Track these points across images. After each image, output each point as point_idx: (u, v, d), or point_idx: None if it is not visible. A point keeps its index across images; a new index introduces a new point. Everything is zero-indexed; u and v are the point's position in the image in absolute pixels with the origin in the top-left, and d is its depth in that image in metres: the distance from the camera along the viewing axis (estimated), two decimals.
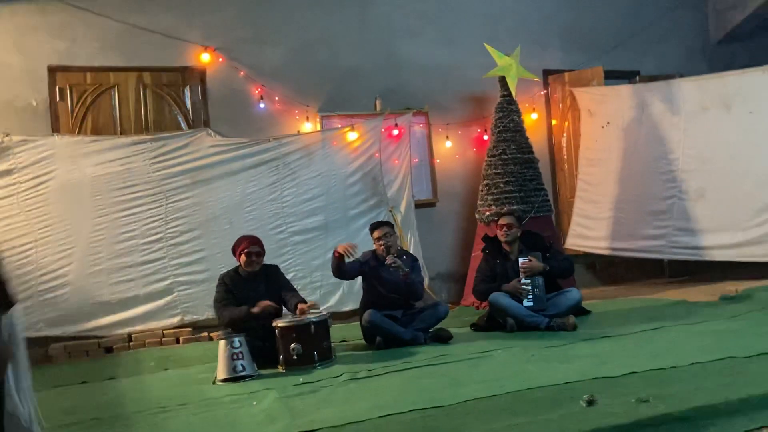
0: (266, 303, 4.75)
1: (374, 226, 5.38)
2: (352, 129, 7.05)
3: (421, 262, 7.03)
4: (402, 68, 7.72)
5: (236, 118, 7.05)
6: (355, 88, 7.49)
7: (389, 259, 5.06)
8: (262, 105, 7.14)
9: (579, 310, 5.49)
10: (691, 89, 7.19)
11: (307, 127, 7.27)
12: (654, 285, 7.45)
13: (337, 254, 5.04)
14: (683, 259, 7.24)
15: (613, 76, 8.32)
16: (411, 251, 6.90)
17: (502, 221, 5.54)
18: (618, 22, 8.60)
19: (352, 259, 5.12)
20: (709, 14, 9.08)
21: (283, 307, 5.00)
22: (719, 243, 6.79)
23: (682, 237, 7.08)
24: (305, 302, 4.90)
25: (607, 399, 3.10)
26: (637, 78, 8.51)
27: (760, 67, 6.84)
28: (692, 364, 3.66)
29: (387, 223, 5.46)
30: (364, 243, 6.84)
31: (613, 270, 8.11)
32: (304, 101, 7.26)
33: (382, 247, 5.20)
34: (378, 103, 7.47)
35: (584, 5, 8.54)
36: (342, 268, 5.11)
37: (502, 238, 5.51)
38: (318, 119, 7.33)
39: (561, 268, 5.50)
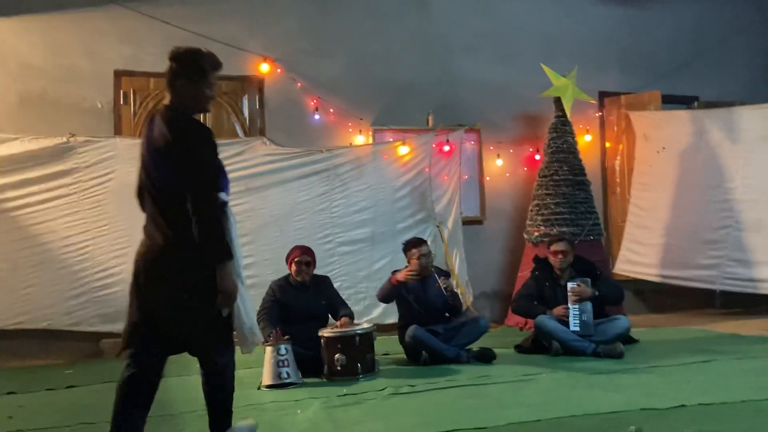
0: (279, 338, 4.63)
1: (414, 244, 5.35)
2: (404, 143, 7.10)
3: (466, 279, 7.07)
4: (456, 84, 7.75)
5: (291, 128, 7.17)
6: (409, 103, 7.55)
7: (442, 282, 5.09)
8: (316, 116, 7.26)
9: (627, 339, 5.38)
10: (752, 117, 7.04)
11: (360, 139, 7.35)
12: (704, 316, 7.28)
13: (395, 281, 5.11)
14: (737, 291, 7.05)
15: (671, 101, 8.19)
16: (457, 268, 6.92)
17: (556, 247, 5.48)
18: (678, 45, 8.48)
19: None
20: None
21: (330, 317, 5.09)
22: None
23: (736, 268, 6.91)
24: (350, 317, 4.96)
25: None
26: (696, 104, 8.35)
27: None
28: (744, 401, 3.57)
29: (424, 241, 5.46)
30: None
31: (662, 298, 7.95)
32: (358, 114, 7.35)
33: (424, 265, 5.21)
34: (430, 118, 7.51)
35: (643, 28, 8.44)
36: (392, 295, 5.18)
37: (556, 265, 5.47)
38: (370, 132, 7.41)
39: (611, 294, 5.42)
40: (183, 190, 2.74)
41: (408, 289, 5.22)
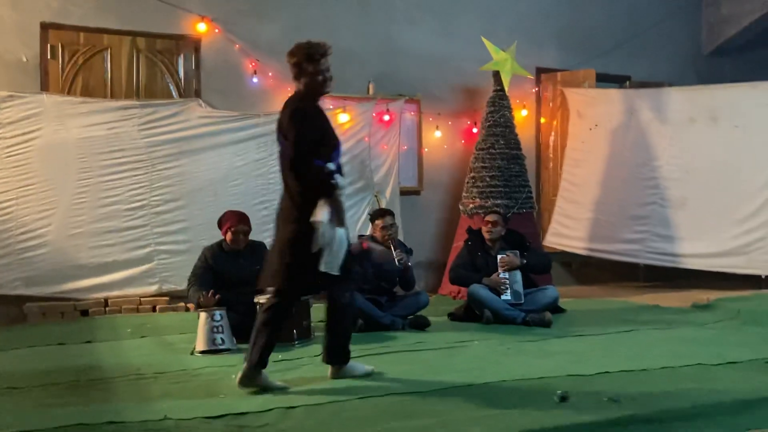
0: (209, 301, 4.62)
1: (380, 214, 5.42)
2: (344, 111, 7.05)
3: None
4: (397, 55, 7.72)
5: (228, 91, 7.00)
6: (350, 71, 7.45)
7: (397, 255, 5.12)
8: (255, 80, 7.10)
9: (555, 308, 5.58)
10: (679, 99, 7.31)
11: None
12: (628, 288, 7.60)
13: (366, 246, 5.16)
14: (659, 265, 7.38)
15: (605, 80, 8.41)
16: None
17: (489, 218, 5.62)
18: (613, 26, 8.67)
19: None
20: (703, 26, 9.20)
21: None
22: (695, 252, 6.95)
23: (659, 243, 7.23)
24: None
25: (579, 396, 3.18)
26: (628, 83, 8.60)
27: (748, 83, 6.99)
28: (663, 368, 3.77)
29: (391, 213, 5.49)
30: (348, 226, 6.91)
31: (589, 270, 8.25)
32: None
33: (388, 237, 5.24)
34: (371, 87, 7.48)
35: (582, 7, 8.60)
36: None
37: (486, 235, 5.58)
38: None
39: (538, 263, 5.61)
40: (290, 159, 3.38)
41: (370, 256, 5.24)
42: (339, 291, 3.60)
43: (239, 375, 3.43)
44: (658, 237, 7.23)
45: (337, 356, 3.67)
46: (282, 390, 3.42)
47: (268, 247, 5.21)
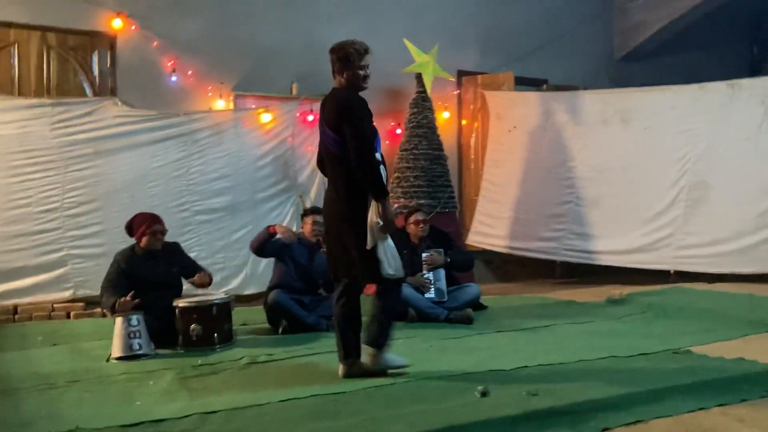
0: (126, 304, 4.43)
1: (312, 211, 5.40)
2: (267, 111, 6.97)
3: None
4: (322, 54, 7.52)
5: (146, 90, 6.80)
6: (273, 70, 7.40)
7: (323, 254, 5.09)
8: (174, 78, 6.92)
9: (477, 305, 5.70)
10: (593, 102, 7.59)
11: (220, 104, 7.12)
12: (546, 284, 7.83)
13: (272, 230, 5.11)
14: (575, 262, 7.64)
15: (523, 83, 8.64)
16: None
17: (417, 217, 5.65)
18: (531, 31, 8.92)
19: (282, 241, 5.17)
20: (615, 33, 9.60)
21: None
22: (609, 249, 7.23)
23: (575, 241, 7.48)
24: (208, 276, 4.90)
25: (499, 391, 3.26)
26: (545, 86, 8.87)
27: (657, 87, 7.33)
28: (579, 361, 3.90)
29: (321, 212, 5.43)
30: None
31: (509, 267, 8.45)
32: (219, 78, 7.11)
33: (316, 235, 5.20)
34: (295, 87, 7.42)
35: (502, 11, 8.81)
36: (265, 245, 5.15)
37: (417, 233, 5.63)
38: (231, 98, 7.19)
39: (462, 261, 5.72)
40: (350, 153, 3.46)
41: (293, 255, 5.18)
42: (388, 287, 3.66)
43: (368, 359, 3.60)
44: (574, 235, 7.49)
45: (378, 340, 3.62)
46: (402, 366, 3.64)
47: (182, 248, 5.12)
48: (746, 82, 6.86)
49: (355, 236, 3.53)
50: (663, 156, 7.02)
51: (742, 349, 4.06)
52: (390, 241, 3.59)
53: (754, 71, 9.87)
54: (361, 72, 3.65)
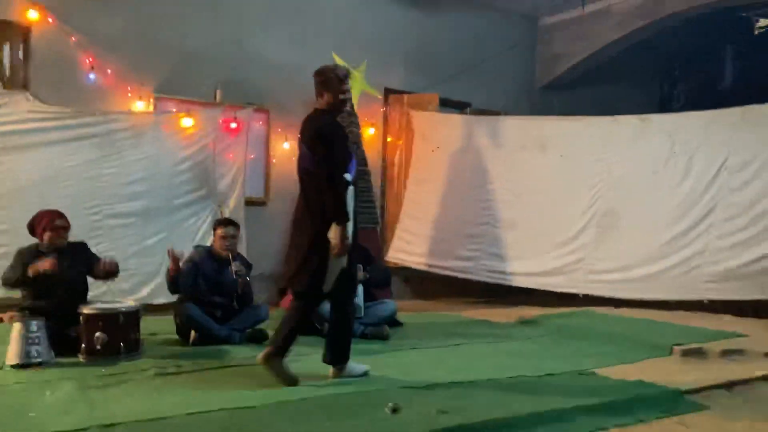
0: (43, 265, 4.32)
1: (222, 223, 5.26)
2: (188, 115, 6.81)
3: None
4: (247, 61, 7.58)
5: (61, 86, 6.49)
6: (196, 74, 7.24)
7: (234, 266, 4.96)
8: (92, 76, 6.65)
9: (393, 321, 5.72)
10: (513, 127, 7.82)
11: (139, 106, 6.90)
12: (462, 303, 7.94)
13: (172, 272, 4.93)
14: (490, 282, 7.80)
15: (447, 104, 8.81)
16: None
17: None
18: (458, 53, 9.08)
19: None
20: (537, 62, 9.93)
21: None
22: (523, 270, 7.43)
23: (491, 261, 7.65)
24: (115, 262, 4.74)
25: (410, 408, 3.28)
26: (468, 110, 9.07)
27: (573, 117, 7.63)
28: (489, 379, 3.98)
29: (234, 223, 5.31)
30: (186, 234, 6.67)
31: (427, 285, 8.53)
32: (139, 78, 6.89)
33: (226, 248, 5.08)
34: (218, 93, 7.28)
35: (430, 33, 8.94)
36: (178, 282, 4.97)
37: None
38: (152, 100, 6.98)
39: (380, 278, 5.75)
40: (321, 172, 3.68)
41: (203, 270, 5.03)
42: (345, 296, 3.94)
43: (262, 353, 3.79)
44: (491, 255, 7.65)
45: (338, 357, 3.93)
46: (293, 381, 3.74)
47: (89, 247, 4.92)
48: (656, 118, 7.25)
49: (310, 248, 3.77)
50: (577, 183, 7.29)
51: (643, 371, 4.25)
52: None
53: (663, 107, 10.45)
54: (341, 96, 3.91)
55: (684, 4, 8.39)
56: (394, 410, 3.22)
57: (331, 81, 3.89)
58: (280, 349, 3.80)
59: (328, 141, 3.75)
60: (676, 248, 6.63)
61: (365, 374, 3.97)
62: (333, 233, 3.68)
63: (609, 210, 7.10)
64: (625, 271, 6.88)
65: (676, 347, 4.83)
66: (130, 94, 6.86)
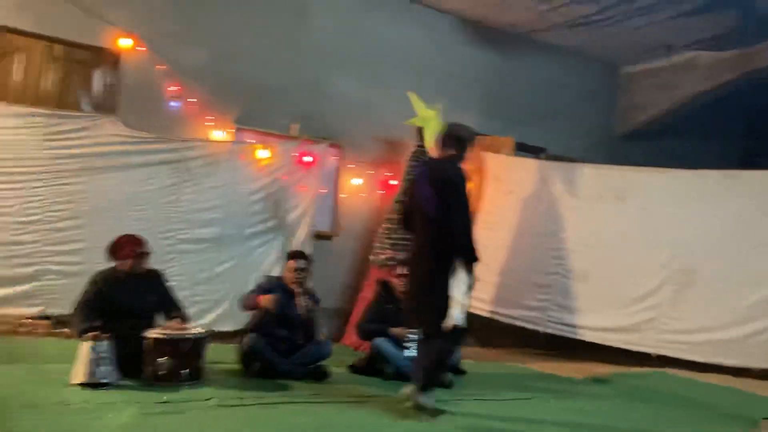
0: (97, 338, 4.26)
1: (295, 255, 5.25)
2: (265, 146, 6.91)
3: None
4: (324, 97, 7.68)
5: (146, 112, 6.70)
6: (274, 108, 7.37)
7: (304, 301, 4.94)
8: (175, 104, 6.85)
9: (456, 369, 5.54)
10: (591, 175, 7.58)
11: (218, 135, 7.04)
12: (528, 354, 7.67)
13: (260, 302, 4.93)
14: (557, 334, 7.51)
15: (523, 149, 8.66)
16: None
17: (401, 270, 5.52)
18: (534, 98, 9.00)
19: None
20: (617, 111, 9.70)
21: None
22: (592, 324, 7.11)
23: (560, 313, 7.36)
24: (183, 319, 4.69)
25: None
26: (543, 155, 8.89)
27: (654, 168, 7.36)
28: None
29: (306, 256, 5.31)
30: (254, 263, 6.70)
31: (492, 334, 8.29)
32: (220, 109, 7.05)
33: (297, 280, 5.06)
34: (294, 127, 7.39)
35: (506, 77, 8.89)
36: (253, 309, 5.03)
37: (399, 287, 5.50)
38: (232, 130, 7.12)
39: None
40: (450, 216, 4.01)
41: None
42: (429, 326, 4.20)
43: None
44: (559, 306, 7.37)
45: (425, 381, 4.11)
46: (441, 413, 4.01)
47: (163, 277, 4.97)
48: (742, 174, 6.90)
49: (433, 290, 4.06)
50: (655, 237, 6.98)
51: None
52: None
53: (744, 164, 10.00)
54: (465, 153, 4.26)
55: None
56: None
57: (464, 141, 4.26)
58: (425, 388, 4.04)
59: (463, 189, 4.09)
60: (762, 312, 6.22)
61: (437, 411, 4.03)
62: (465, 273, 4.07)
63: (687, 268, 6.75)
64: (703, 333, 6.48)
65: (765, 421, 4.48)
66: (211, 124, 7.02)
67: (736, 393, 5.44)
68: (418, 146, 7.49)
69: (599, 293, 7.16)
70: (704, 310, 6.53)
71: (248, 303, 5.03)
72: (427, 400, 4.03)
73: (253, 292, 5.06)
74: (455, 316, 3.97)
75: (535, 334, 8.01)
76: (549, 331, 7.51)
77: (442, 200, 4.01)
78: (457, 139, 4.25)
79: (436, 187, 4.05)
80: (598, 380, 5.92)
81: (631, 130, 9.52)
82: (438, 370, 4.19)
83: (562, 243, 7.48)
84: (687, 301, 6.67)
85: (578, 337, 7.25)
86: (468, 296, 4.14)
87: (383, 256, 7.12)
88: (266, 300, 4.91)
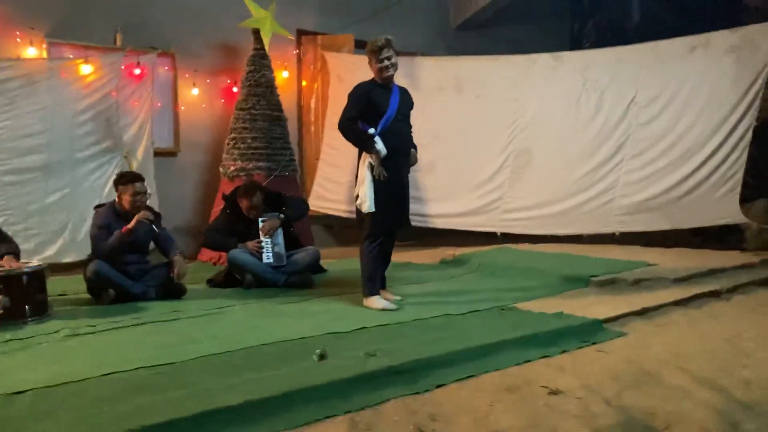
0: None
1: (132, 179, 4.79)
2: (87, 62, 6.36)
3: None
4: (149, 3, 7.12)
5: None
6: (93, 17, 6.75)
7: (142, 214, 4.66)
8: None
9: (316, 269, 5.64)
10: (430, 68, 7.72)
11: (31, 52, 6.38)
12: None
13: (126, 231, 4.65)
14: (412, 225, 7.78)
15: (362, 46, 8.53)
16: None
17: (246, 202, 5.37)
18: None
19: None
20: (450, 2, 9.80)
21: None
22: (443, 212, 7.46)
23: (411, 205, 7.60)
24: (15, 254, 4.36)
25: (338, 353, 3.23)
26: None
27: (489, 56, 7.60)
28: (415, 320, 3.98)
29: (142, 178, 4.91)
30: (91, 190, 6.33)
31: (349, 232, 8.47)
32: (29, 23, 6.35)
33: (137, 204, 4.74)
34: (119, 37, 6.83)
35: None
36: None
37: (247, 214, 5.39)
38: (44, 46, 6.46)
39: (297, 212, 5.63)
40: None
41: (112, 229, 4.68)
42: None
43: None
44: (411, 199, 7.60)
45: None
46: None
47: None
48: (568, 55, 7.31)
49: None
50: (493, 123, 7.32)
51: (561, 304, 4.36)
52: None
53: (574, 46, 10.57)
54: (380, 65, 4.35)
55: None
56: (322, 357, 3.17)
57: (369, 57, 4.39)
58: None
59: (350, 98, 4.39)
60: (589, 184, 6.80)
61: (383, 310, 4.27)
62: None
63: (523, 149, 7.18)
64: (540, 208, 7.01)
65: (592, 278, 4.99)
66: (19, 40, 6.33)
67: (570, 258, 5.96)
68: (256, 50, 7.21)
69: (446, 182, 7.48)
70: (540, 186, 7.04)
71: (114, 244, 4.70)
72: (371, 303, 4.38)
73: (98, 239, 4.70)
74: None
75: None
76: None
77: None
78: (368, 60, 4.46)
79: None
80: (448, 262, 6.27)
81: (465, 21, 9.68)
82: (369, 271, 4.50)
83: None
84: (525, 180, 7.15)
85: (430, 225, 7.59)
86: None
87: (233, 168, 6.94)
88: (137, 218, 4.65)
